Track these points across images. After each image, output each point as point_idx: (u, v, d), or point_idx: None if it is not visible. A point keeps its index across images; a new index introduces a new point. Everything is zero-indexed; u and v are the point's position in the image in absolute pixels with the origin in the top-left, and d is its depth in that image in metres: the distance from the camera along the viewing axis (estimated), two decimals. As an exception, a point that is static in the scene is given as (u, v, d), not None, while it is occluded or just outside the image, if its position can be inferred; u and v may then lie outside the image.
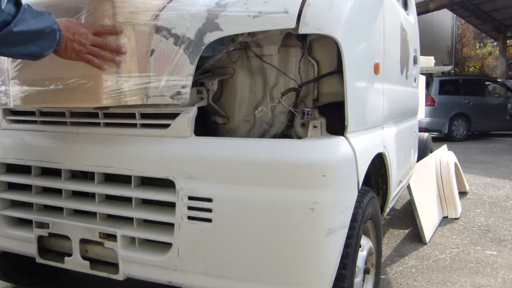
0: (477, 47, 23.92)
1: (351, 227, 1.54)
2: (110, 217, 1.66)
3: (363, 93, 1.73)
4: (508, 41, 17.34)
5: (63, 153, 1.70)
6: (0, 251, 1.91)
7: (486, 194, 4.79)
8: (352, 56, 1.57)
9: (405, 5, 2.88)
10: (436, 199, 3.77)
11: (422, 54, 4.08)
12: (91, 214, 1.68)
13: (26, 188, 1.81)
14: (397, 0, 2.47)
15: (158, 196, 1.54)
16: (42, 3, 1.47)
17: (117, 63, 1.41)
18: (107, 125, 1.66)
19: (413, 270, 2.69)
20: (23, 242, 1.77)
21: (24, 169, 1.81)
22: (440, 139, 9.39)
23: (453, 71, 16.55)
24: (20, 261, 2.13)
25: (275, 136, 1.68)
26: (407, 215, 3.82)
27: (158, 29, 1.51)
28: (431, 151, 4.50)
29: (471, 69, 21.88)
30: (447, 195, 3.86)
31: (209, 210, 1.43)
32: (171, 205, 1.50)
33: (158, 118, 1.58)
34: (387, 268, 2.72)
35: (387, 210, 2.38)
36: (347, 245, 1.51)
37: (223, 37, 1.50)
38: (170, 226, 1.50)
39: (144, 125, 1.61)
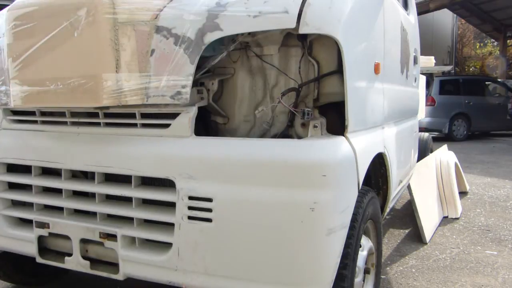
0: (478, 47, 23.90)
1: (352, 227, 1.54)
2: (110, 217, 1.66)
3: (363, 93, 1.73)
4: (508, 41, 17.32)
5: (63, 153, 1.70)
6: (0, 251, 1.91)
7: (487, 194, 4.78)
8: (352, 56, 1.56)
9: (405, 5, 2.88)
10: (436, 199, 3.77)
11: (422, 54, 4.07)
12: (91, 214, 1.68)
13: (26, 188, 1.81)
14: (397, 0, 2.47)
15: (158, 196, 1.54)
16: (43, 3, 1.47)
17: None
18: (108, 125, 1.66)
19: (414, 270, 2.69)
20: (23, 242, 1.77)
21: (24, 169, 1.81)
22: (440, 139, 9.39)
23: (453, 71, 16.54)
24: (20, 261, 2.13)
25: (275, 136, 1.68)
26: (407, 215, 3.82)
27: (158, 29, 1.51)
28: (432, 151, 4.49)
29: (471, 69, 21.86)
30: (448, 195, 3.85)
31: (209, 210, 1.43)
32: (171, 205, 1.50)
33: (158, 118, 1.59)
34: (388, 268, 2.72)
35: (388, 210, 2.38)
36: (347, 245, 1.51)
37: (223, 37, 1.50)
38: (170, 226, 1.51)
39: (144, 125, 1.61)
